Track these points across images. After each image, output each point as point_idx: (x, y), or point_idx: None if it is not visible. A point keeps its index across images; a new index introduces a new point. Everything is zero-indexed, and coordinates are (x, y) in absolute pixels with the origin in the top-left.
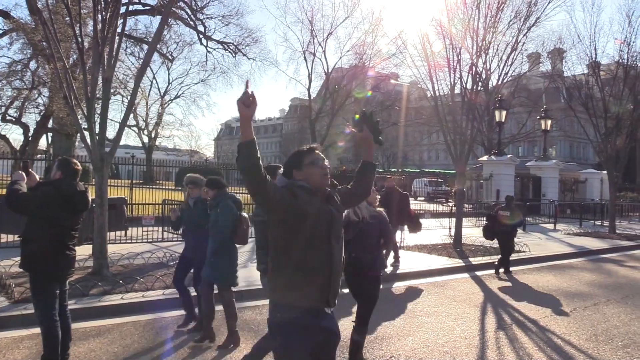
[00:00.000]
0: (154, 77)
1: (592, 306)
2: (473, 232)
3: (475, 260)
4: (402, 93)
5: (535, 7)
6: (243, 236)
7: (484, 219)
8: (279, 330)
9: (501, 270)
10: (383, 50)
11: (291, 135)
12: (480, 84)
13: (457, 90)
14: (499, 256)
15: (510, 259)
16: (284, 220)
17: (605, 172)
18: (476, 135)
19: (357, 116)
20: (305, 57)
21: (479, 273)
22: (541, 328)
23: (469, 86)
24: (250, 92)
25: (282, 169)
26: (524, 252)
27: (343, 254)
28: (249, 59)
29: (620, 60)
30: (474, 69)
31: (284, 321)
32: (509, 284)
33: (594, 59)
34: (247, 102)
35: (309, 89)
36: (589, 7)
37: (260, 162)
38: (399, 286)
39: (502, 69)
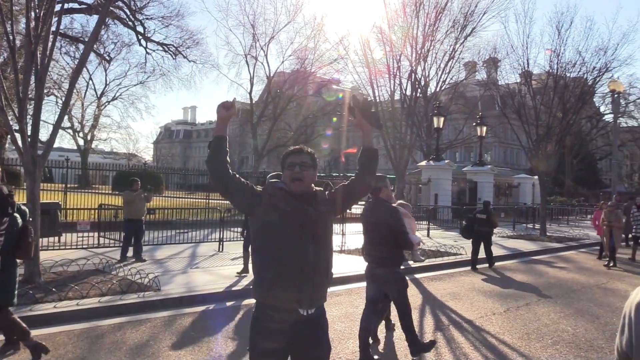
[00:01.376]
0: (90, 78)
1: (525, 306)
2: None
3: (414, 264)
4: (343, 98)
5: (472, 18)
6: (26, 250)
7: (424, 222)
8: (250, 326)
9: (486, 265)
10: (325, 55)
11: (232, 139)
12: (419, 90)
13: (397, 97)
14: (438, 259)
15: (448, 261)
16: (256, 219)
17: (536, 177)
18: (415, 140)
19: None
20: (247, 61)
21: (418, 275)
22: (477, 328)
23: (408, 93)
24: (232, 100)
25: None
26: (460, 254)
27: (329, 256)
28: (189, 61)
29: (551, 70)
30: (413, 76)
31: (254, 318)
32: (445, 286)
33: (526, 69)
34: (227, 106)
35: (250, 93)
36: (522, 18)
37: (228, 158)
38: (339, 290)
39: (440, 77)
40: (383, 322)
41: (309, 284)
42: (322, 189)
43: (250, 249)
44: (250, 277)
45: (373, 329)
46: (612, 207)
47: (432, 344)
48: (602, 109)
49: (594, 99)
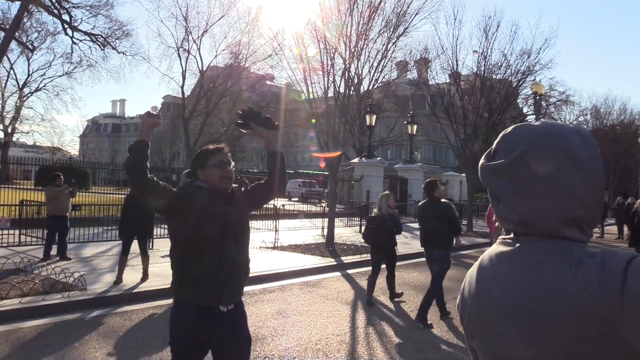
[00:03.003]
0: (11, 68)
1: (453, 299)
2: (345, 231)
3: (347, 259)
4: (277, 94)
5: (404, 18)
6: None
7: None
8: (170, 325)
9: None
10: (259, 51)
11: (163, 134)
12: (352, 88)
13: (330, 94)
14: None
15: None
16: (176, 219)
17: (464, 174)
18: (348, 138)
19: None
20: (179, 54)
21: (350, 271)
22: (407, 322)
23: (342, 90)
24: (157, 113)
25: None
26: None
27: (247, 253)
28: (119, 52)
29: (478, 72)
30: (347, 74)
31: (174, 317)
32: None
33: (455, 70)
34: (151, 116)
35: (182, 87)
36: (452, 21)
37: (147, 164)
38: (272, 286)
39: (373, 75)
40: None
41: (229, 281)
42: (237, 186)
43: (170, 248)
44: None
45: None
46: None
47: (429, 326)
48: (525, 110)
49: (518, 101)
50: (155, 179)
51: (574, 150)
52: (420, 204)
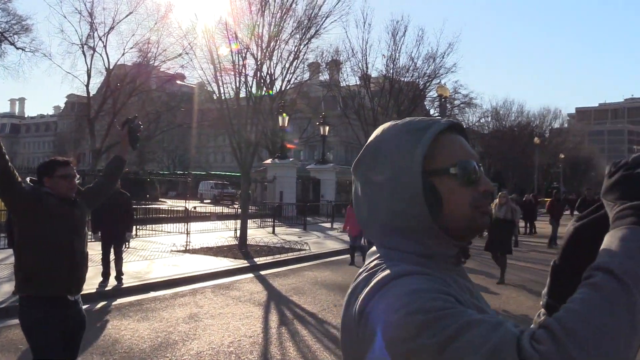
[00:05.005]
0: None
1: None
2: (258, 232)
3: (259, 260)
4: (188, 94)
5: (315, 20)
6: None
7: (269, 219)
8: (29, 322)
9: None
10: (169, 49)
11: (67, 135)
12: (265, 89)
13: (242, 94)
14: (283, 255)
15: (293, 257)
16: (28, 219)
17: None
18: (261, 138)
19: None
20: (83, 52)
21: (263, 272)
22: (320, 320)
23: (254, 91)
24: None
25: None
26: (304, 250)
27: (86, 249)
28: (17, 48)
29: (387, 75)
30: (259, 74)
31: (33, 313)
32: (290, 281)
33: (365, 72)
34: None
35: (87, 86)
36: (361, 24)
37: (8, 162)
38: (184, 290)
39: (285, 76)
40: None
41: (76, 274)
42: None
43: (17, 245)
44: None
45: None
46: None
47: None
48: (431, 112)
49: (425, 103)
50: (20, 180)
51: None
52: None
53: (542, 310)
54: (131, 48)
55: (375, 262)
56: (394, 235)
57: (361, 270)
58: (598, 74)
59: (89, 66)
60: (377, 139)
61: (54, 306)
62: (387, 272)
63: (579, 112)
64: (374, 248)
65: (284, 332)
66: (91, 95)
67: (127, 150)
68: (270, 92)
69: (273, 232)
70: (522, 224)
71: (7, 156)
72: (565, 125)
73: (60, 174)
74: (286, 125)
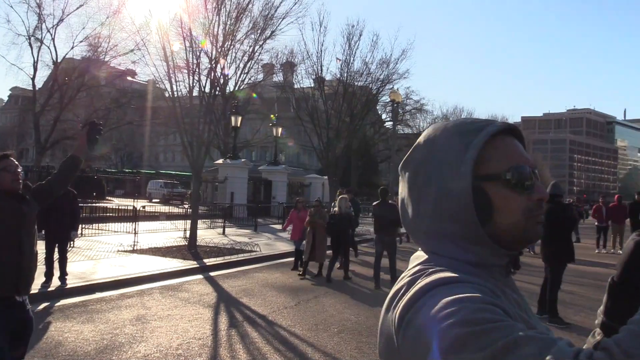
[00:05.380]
0: None
1: (313, 299)
2: (208, 233)
3: (209, 262)
4: (139, 91)
5: (271, 21)
6: None
7: (220, 220)
8: None
9: None
10: (121, 45)
11: (10, 129)
12: (218, 88)
13: (195, 93)
14: (233, 256)
15: (243, 259)
16: None
17: (326, 177)
18: (213, 138)
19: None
20: (30, 43)
21: (213, 274)
22: (269, 322)
23: (207, 90)
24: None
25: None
26: (255, 251)
27: (35, 248)
28: None
29: (341, 78)
30: (212, 74)
31: None
32: (240, 283)
33: (319, 75)
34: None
35: (33, 79)
36: (317, 27)
37: None
38: (131, 291)
39: (239, 76)
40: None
41: (25, 274)
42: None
43: None
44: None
45: None
46: (317, 204)
47: None
48: (383, 116)
49: (377, 107)
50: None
51: None
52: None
53: (598, 329)
54: (81, 42)
55: (418, 267)
56: (441, 241)
57: (403, 274)
58: (543, 85)
59: (35, 59)
60: (427, 139)
61: (0, 307)
62: (432, 278)
63: (524, 120)
64: (418, 252)
65: (233, 334)
66: (37, 88)
67: (84, 150)
68: (239, 93)
69: (223, 233)
70: None
71: None
72: None
73: (2, 166)
74: (239, 125)
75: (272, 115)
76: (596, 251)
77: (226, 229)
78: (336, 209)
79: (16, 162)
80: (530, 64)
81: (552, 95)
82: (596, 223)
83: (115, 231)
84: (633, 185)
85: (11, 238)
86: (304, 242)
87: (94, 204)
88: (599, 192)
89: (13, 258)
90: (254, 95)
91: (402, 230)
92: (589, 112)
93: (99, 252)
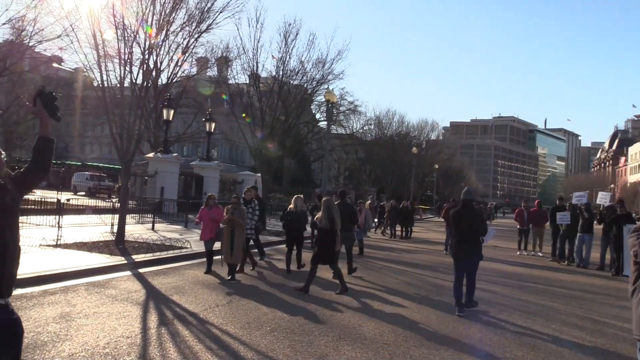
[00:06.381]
0: None
1: (246, 296)
2: (136, 228)
3: (138, 258)
4: (65, 79)
5: (208, 15)
6: None
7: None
8: None
9: None
10: (47, 29)
11: None
12: (150, 80)
13: (127, 84)
14: (163, 253)
15: (173, 255)
16: None
17: (259, 174)
18: (143, 131)
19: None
20: None
21: (142, 270)
22: (201, 320)
23: (139, 81)
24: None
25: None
26: (186, 248)
27: (19, 243)
28: None
29: (277, 76)
30: (145, 65)
31: None
32: (170, 280)
33: (255, 71)
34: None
35: None
36: (254, 23)
37: None
38: (54, 288)
39: (173, 69)
40: None
41: (8, 273)
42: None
43: None
44: None
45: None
46: (235, 201)
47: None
48: (317, 116)
49: (312, 107)
50: None
51: None
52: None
53: None
54: (3, 24)
55: None
56: None
57: None
58: (471, 92)
59: None
60: None
61: None
62: None
63: (453, 126)
64: None
65: (164, 332)
66: None
67: (48, 125)
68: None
69: (153, 229)
70: (398, 227)
71: None
72: (441, 137)
73: None
74: (171, 119)
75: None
76: (517, 253)
77: (156, 224)
78: (292, 206)
79: None
80: (460, 72)
81: (479, 102)
82: (518, 226)
83: (37, 224)
84: (552, 191)
85: None
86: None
87: None
88: (520, 196)
89: None
90: (224, 97)
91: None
92: (513, 120)
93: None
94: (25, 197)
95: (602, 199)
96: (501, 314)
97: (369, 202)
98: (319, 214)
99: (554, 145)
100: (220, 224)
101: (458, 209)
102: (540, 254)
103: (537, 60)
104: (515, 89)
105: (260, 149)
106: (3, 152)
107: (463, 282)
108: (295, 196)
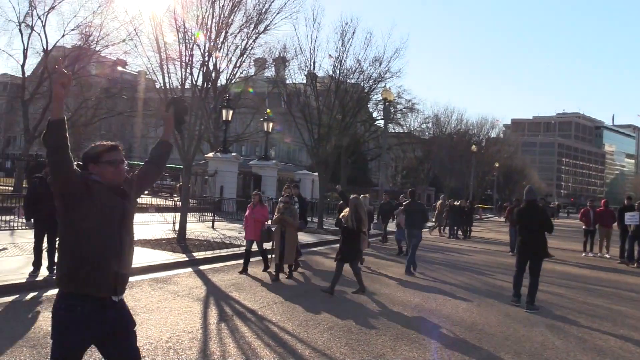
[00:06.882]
0: None
1: (303, 294)
2: (197, 226)
3: (198, 255)
4: (130, 82)
5: (265, 16)
6: None
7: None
8: (58, 322)
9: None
10: (112, 34)
11: None
12: (210, 82)
13: (187, 86)
14: (223, 250)
15: (233, 253)
16: (76, 211)
17: (316, 173)
18: (204, 132)
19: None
20: (21, 30)
21: (202, 267)
22: (259, 317)
23: (199, 83)
24: (67, 72)
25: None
26: (244, 246)
27: (133, 246)
28: None
29: (333, 75)
30: (205, 67)
31: (69, 311)
32: (229, 277)
33: (312, 71)
34: (65, 82)
35: (23, 66)
36: (311, 23)
37: (68, 142)
38: None
39: (232, 70)
40: None
41: (122, 272)
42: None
43: (59, 241)
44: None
45: None
46: (287, 200)
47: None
48: (374, 114)
49: (368, 105)
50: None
51: None
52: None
53: None
54: (72, 30)
55: None
56: None
57: None
58: (533, 88)
59: (25, 46)
60: None
61: (95, 308)
62: None
63: (514, 123)
64: None
65: (223, 328)
66: (26, 76)
67: (171, 132)
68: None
69: (212, 227)
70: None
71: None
72: (501, 135)
73: (106, 159)
74: (230, 119)
75: (267, 110)
76: (583, 254)
77: (215, 222)
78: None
79: (122, 156)
80: (521, 67)
81: (542, 98)
82: (583, 227)
83: None
84: (619, 190)
85: (113, 236)
86: (269, 243)
87: None
88: (586, 196)
89: (113, 257)
90: (250, 90)
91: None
92: (578, 116)
93: None
94: None
95: None
96: (565, 317)
97: (440, 201)
98: (344, 212)
99: (623, 142)
100: (270, 224)
101: (521, 208)
102: (607, 256)
103: (605, 53)
104: (581, 83)
105: (317, 148)
106: (125, 162)
107: (523, 276)
108: (362, 195)
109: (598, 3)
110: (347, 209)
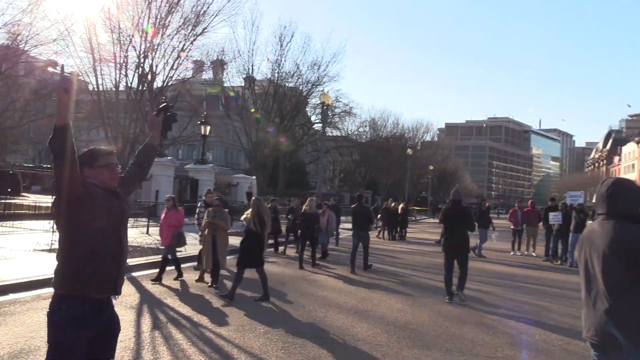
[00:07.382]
0: None
1: (240, 299)
2: (131, 232)
3: (132, 262)
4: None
5: (203, 18)
6: None
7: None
8: (57, 323)
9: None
10: (43, 34)
11: None
12: (145, 84)
13: (122, 88)
14: (157, 256)
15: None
16: (78, 213)
17: (254, 177)
18: (139, 134)
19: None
20: None
21: (135, 274)
22: (194, 323)
23: (134, 85)
24: (70, 77)
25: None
26: (180, 251)
27: (127, 246)
28: None
29: (272, 78)
30: (140, 69)
31: (70, 313)
32: (164, 283)
33: (250, 74)
34: (67, 88)
35: None
36: (249, 26)
37: (74, 147)
38: (48, 293)
39: (168, 72)
40: None
41: (122, 272)
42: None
43: (63, 240)
44: None
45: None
46: (218, 204)
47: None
48: (313, 118)
49: (307, 109)
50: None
51: None
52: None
53: None
54: None
55: None
56: None
57: None
58: (466, 93)
59: None
60: None
61: (94, 309)
62: None
63: (448, 127)
64: None
65: (157, 335)
66: None
67: (158, 137)
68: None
69: (147, 233)
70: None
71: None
72: (436, 138)
73: (102, 163)
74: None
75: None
76: (511, 253)
77: (150, 228)
78: (306, 206)
79: (116, 160)
80: (455, 73)
81: (474, 103)
82: (512, 227)
83: (31, 229)
84: (545, 192)
85: (113, 237)
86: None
87: (8, 200)
88: (514, 197)
89: (114, 257)
90: (231, 94)
91: None
92: (508, 121)
93: (13, 251)
94: (19, 202)
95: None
96: (495, 314)
97: (388, 203)
98: (246, 214)
99: (548, 145)
100: (199, 229)
101: (447, 207)
102: (534, 254)
103: (531, 61)
104: (510, 90)
105: (255, 151)
106: (119, 165)
107: (452, 272)
108: (309, 198)
109: (526, 11)
110: (250, 210)
